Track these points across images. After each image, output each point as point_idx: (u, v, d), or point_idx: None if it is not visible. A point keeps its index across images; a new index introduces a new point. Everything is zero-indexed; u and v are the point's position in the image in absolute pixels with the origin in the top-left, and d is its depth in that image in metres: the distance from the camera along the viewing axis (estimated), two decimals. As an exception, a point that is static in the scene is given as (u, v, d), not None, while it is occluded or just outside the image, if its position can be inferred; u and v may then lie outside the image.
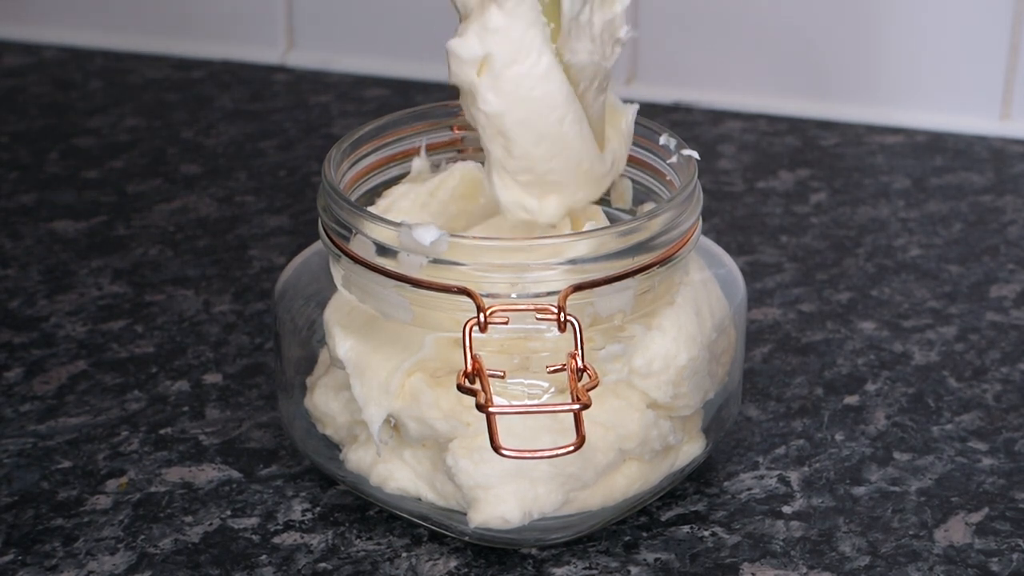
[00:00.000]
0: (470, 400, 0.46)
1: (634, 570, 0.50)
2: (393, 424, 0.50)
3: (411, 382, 0.49)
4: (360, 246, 0.49)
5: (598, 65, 0.50)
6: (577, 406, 0.45)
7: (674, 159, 0.53)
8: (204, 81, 0.88)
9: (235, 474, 0.55)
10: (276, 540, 0.52)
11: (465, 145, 0.56)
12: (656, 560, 0.51)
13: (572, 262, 0.48)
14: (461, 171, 0.54)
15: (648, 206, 0.55)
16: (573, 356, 0.46)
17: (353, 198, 0.53)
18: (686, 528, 0.52)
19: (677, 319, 0.50)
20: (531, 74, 0.48)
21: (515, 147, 0.49)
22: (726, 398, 0.54)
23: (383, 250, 0.49)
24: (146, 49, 0.91)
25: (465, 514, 0.50)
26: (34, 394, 0.59)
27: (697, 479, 0.55)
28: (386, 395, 0.49)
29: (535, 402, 0.48)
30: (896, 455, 0.56)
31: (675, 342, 0.50)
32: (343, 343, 0.50)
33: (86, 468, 0.55)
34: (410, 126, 0.55)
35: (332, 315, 0.51)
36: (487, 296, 0.47)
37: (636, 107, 0.53)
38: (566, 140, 0.49)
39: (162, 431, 0.57)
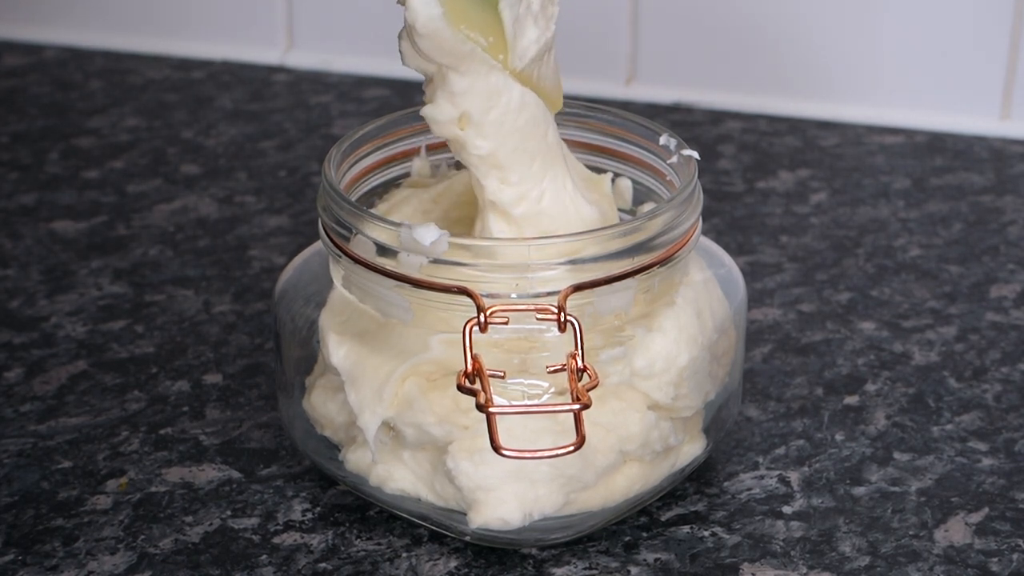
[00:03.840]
0: (465, 403, 0.46)
1: (634, 570, 0.50)
2: (392, 426, 0.50)
3: (405, 388, 0.49)
4: (360, 246, 0.49)
5: (547, 41, 0.50)
6: (577, 406, 0.45)
7: (674, 159, 0.53)
8: (204, 81, 0.88)
9: (235, 474, 0.55)
10: (276, 540, 0.52)
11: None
12: (656, 560, 0.51)
13: (572, 262, 0.48)
14: (465, 177, 0.54)
15: (648, 206, 0.55)
16: (573, 356, 0.46)
17: (353, 198, 0.53)
18: (686, 528, 0.52)
19: (678, 320, 0.50)
20: (509, 110, 0.50)
21: (512, 174, 0.50)
22: (726, 398, 0.54)
23: (383, 250, 0.49)
24: (146, 49, 0.91)
25: (465, 514, 0.50)
26: (34, 394, 0.59)
27: (697, 479, 0.55)
28: (380, 402, 0.49)
29: (535, 402, 0.48)
30: (896, 455, 0.56)
31: (676, 343, 0.50)
32: (337, 351, 0.50)
33: (86, 468, 0.55)
34: (410, 126, 0.55)
35: (327, 321, 0.51)
36: (487, 296, 0.47)
37: (611, 175, 0.55)
38: (553, 150, 0.51)
39: (162, 431, 0.57)
